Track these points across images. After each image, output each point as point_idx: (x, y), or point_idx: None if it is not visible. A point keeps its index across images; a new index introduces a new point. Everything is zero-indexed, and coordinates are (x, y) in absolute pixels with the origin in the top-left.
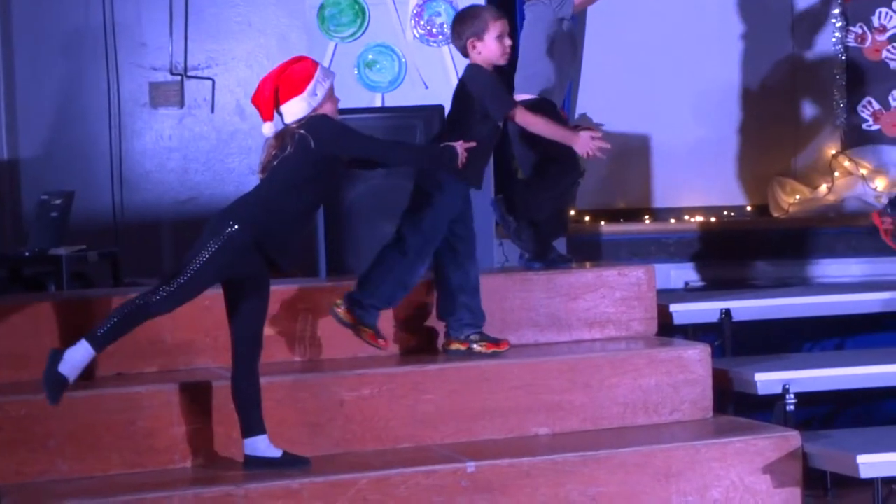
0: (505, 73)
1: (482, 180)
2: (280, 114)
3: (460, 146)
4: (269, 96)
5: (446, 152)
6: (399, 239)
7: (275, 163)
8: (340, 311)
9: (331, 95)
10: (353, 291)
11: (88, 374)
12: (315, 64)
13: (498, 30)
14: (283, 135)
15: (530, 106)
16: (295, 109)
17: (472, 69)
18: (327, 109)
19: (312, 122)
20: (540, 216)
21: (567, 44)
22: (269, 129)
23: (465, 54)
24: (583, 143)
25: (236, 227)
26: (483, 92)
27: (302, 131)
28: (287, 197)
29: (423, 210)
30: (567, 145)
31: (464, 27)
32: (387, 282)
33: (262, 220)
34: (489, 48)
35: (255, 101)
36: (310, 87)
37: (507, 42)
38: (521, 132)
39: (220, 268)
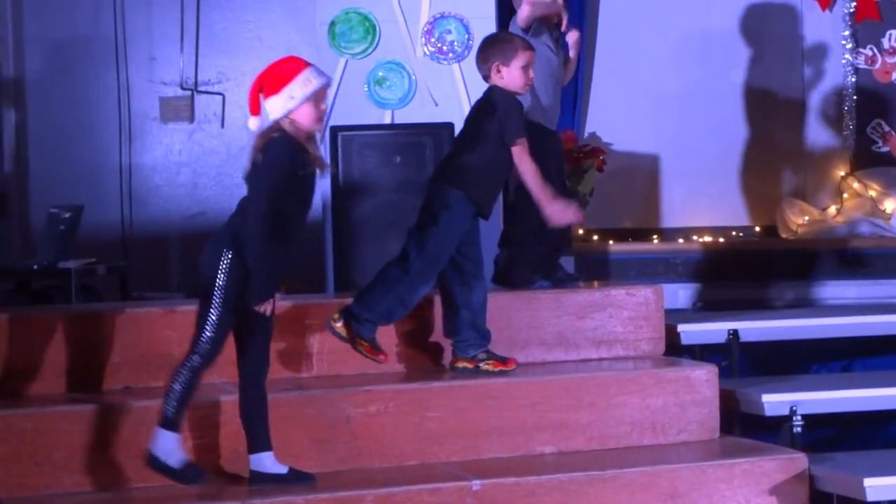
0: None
1: (492, 209)
2: (264, 111)
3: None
4: (255, 91)
5: (263, 295)
6: (404, 257)
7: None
8: (337, 325)
9: (315, 102)
10: (351, 305)
11: (96, 388)
12: (302, 66)
13: (525, 59)
14: (254, 143)
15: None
16: (272, 108)
17: (500, 90)
18: (304, 114)
19: (270, 143)
20: (530, 248)
21: (545, 65)
22: (253, 123)
23: (487, 78)
24: (553, 212)
25: (230, 254)
26: (506, 112)
27: (261, 148)
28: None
29: (430, 230)
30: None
31: (493, 50)
32: (387, 299)
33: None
34: (513, 76)
35: (249, 94)
36: (287, 89)
37: (531, 74)
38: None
39: (232, 301)
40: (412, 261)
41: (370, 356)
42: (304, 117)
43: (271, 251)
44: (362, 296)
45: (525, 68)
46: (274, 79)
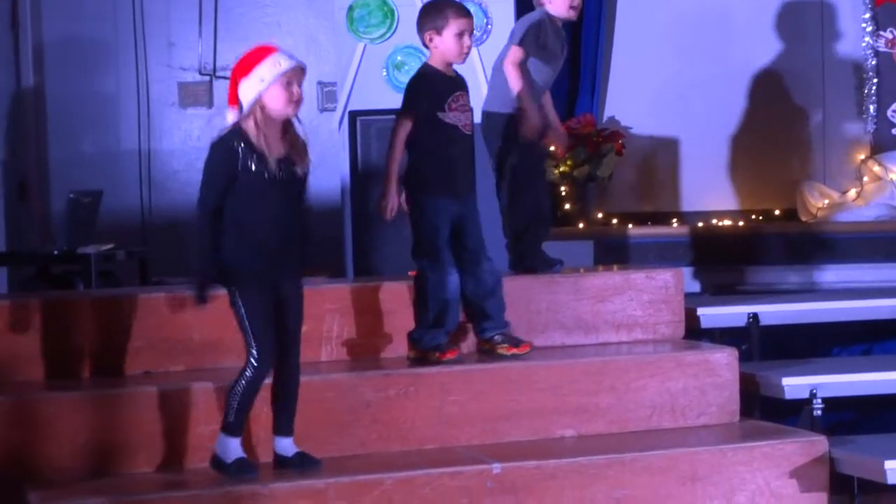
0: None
1: (461, 187)
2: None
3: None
4: (233, 82)
5: (203, 284)
6: (418, 267)
7: None
8: (411, 355)
9: (286, 84)
10: (411, 332)
11: (116, 372)
12: (269, 49)
13: (459, 27)
14: None
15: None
16: (245, 94)
17: (422, 66)
18: (274, 97)
19: (211, 145)
20: (517, 226)
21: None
22: (230, 115)
23: (426, 47)
24: (382, 204)
25: (232, 236)
26: (406, 89)
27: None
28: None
29: (416, 232)
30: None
31: (425, 19)
32: (428, 308)
33: (231, 244)
34: (447, 44)
35: (228, 86)
36: (256, 71)
37: (467, 42)
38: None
39: (255, 299)
40: (422, 264)
41: (449, 359)
42: (275, 101)
43: (206, 245)
44: (415, 320)
45: (460, 35)
46: (244, 64)
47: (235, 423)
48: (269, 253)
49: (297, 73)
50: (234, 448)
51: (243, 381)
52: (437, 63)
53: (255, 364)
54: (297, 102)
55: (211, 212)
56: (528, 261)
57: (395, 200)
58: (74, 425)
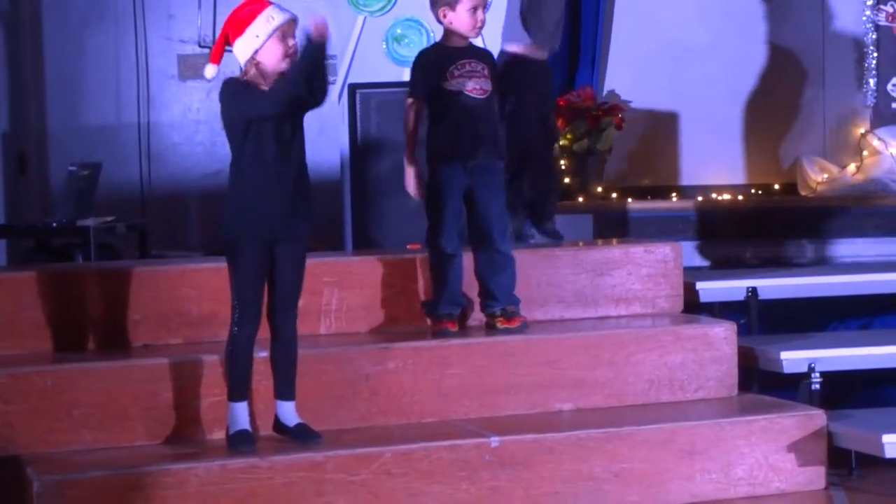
0: None
1: (468, 154)
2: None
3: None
4: (220, 39)
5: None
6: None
7: None
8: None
9: (280, 38)
10: (424, 301)
11: (116, 345)
12: (265, 5)
13: (472, 2)
14: None
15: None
16: (239, 51)
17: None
18: (270, 52)
19: (222, 88)
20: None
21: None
22: (210, 70)
23: (441, 24)
24: (406, 179)
25: (227, 223)
26: (412, 68)
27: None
28: (233, 167)
29: (425, 203)
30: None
31: None
32: (435, 279)
33: (236, 200)
34: (460, 19)
35: (214, 43)
36: (250, 28)
37: (480, 16)
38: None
39: (247, 259)
40: (427, 235)
41: (448, 330)
42: (271, 56)
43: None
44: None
45: (473, 10)
46: (237, 22)
47: (232, 389)
48: (270, 214)
49: (290, 26)
50: (237, 417)
51: (229, 344)
52: (448, 39)
53: (234, 324)
54: (291, 55)
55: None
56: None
57: (413, 180)
58: (73, 398)
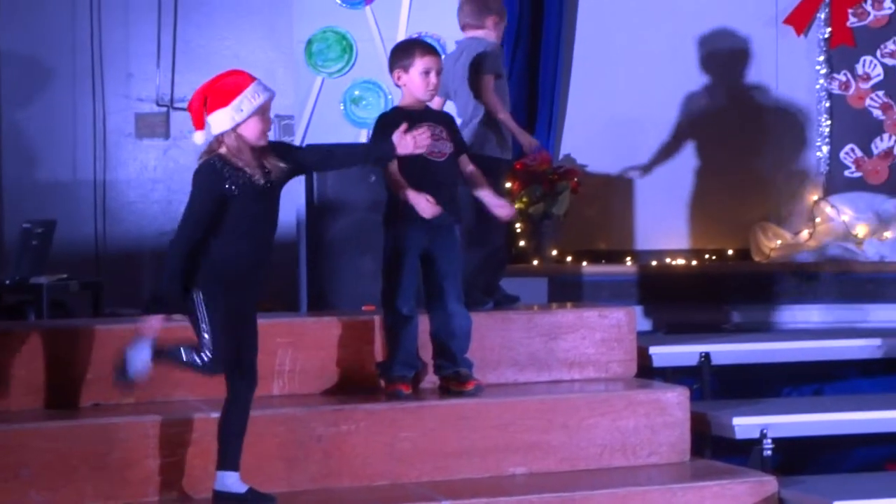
0: None
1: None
2: (208, 125)
3: None
4: (199, 105)
5: (157, 303)
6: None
7: None
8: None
9: (262, 115)
10: (379, 362)
11: (67, 404)
12: (249, 80)
13: (424, 65)
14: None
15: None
16: (218, 122)
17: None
18: (251, 128)
19: (197, 169)
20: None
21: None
22: (199, 137)
23: (397, 86)
24: (421, 206)
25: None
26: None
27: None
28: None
29: (383, 261)
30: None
31: (394, 59)
32: (388, 339)
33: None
34: (413, 82)
35: (189, 108)
36: (236, 102)
37: (433, 79)
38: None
39: (217, 313)
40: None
41: (401, 392)
42: (251, 131)
43: (178, 267)
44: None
45: (426, 73)
46: (220, 92)
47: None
48: (242, 285)
49: (269, 102)
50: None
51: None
52: (406, 102)
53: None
54: (267, 131)
55: (188, 251)
56: (489, 296)
57: (425, 202)
58: (21, 458)
